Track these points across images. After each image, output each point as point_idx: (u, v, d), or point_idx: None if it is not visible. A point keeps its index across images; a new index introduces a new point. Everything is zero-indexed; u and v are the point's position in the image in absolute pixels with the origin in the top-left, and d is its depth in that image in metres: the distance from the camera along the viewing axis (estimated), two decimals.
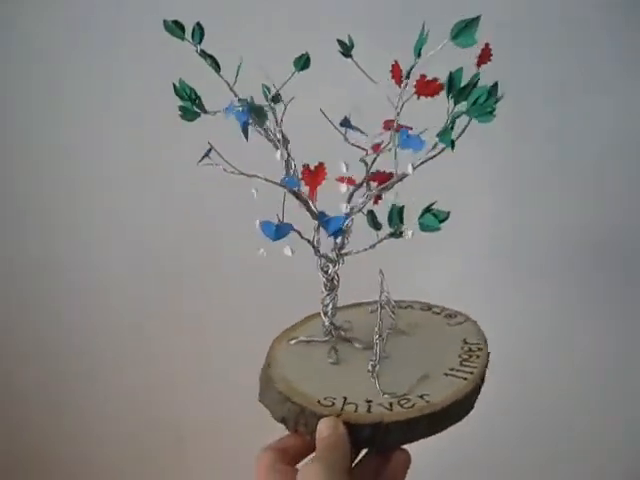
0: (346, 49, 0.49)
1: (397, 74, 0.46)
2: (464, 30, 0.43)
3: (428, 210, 0.46)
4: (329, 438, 0.39)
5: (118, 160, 0.80)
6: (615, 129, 0.72)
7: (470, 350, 0.49)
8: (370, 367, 0.46)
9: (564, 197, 0.74)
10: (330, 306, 0.51)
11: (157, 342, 0.84)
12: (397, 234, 0.48)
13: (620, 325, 0.77)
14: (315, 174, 0.48)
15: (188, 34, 0.48)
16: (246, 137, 0.47)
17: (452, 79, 0.44)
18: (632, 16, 0.69)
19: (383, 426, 0.40)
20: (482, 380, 0.46)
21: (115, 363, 0.86)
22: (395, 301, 0.55)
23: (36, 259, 0.84)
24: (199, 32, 0.48)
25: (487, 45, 0.45)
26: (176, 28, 0.48)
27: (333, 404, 0.43)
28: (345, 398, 0.44)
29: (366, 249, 0.49)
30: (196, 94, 0.48)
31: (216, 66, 0.48)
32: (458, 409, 0.43)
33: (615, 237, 0.75)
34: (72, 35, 0.77)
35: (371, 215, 0.48)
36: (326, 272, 0.50)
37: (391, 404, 0.42)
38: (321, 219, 0.48)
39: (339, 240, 0.50)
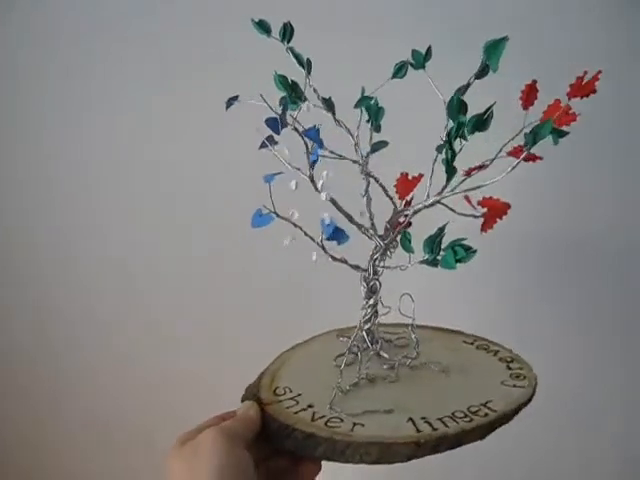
0: (419, 62, 0.47)
1: (531, 97, 0.42)
2: (490, 54, 0.41)
3: (454, 245, 0.44)
4: (240, 415, 0.44)
5: (119, 159, 0.80)
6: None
7: (472, 413, 0.43)
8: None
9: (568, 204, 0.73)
10: (366, 314, 0.51)
11: (130, 351, 0.84)
12: (432, 262, 0.46)
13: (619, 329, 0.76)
14: (410, 182, 0.48)
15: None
16: (277, 132, 0.47)
17: (450, 102, 0.43)
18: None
19: (289, 429, 0.43)
20: (439, 446, 0.40)
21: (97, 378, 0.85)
22: (487, 342, 0.54)
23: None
24: (285, 31, 0.49)
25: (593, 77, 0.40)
26: (262, 27, 0.49)
27: (283, 394, 0.47)
28: (299, 395, 0.47)
29: (390, 267, 0.50)
30: (294, 84, 0.49)
31: (301, 64, 0.49)
32: (370, 453, 0.40)
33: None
34: (69, 35, 0.77)
35: (405, 237, 0.47)
36: (366, 282, 0.51)
37: (321, 417, 0.44)
38: (322, 224, 0.47)
39: (379, 253, 0.50)
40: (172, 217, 0.80)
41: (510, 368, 0.50)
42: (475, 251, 0.44)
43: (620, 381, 0.76)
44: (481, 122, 0.43)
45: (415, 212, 0.47)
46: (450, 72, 0.46)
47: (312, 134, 0.47)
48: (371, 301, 0.51)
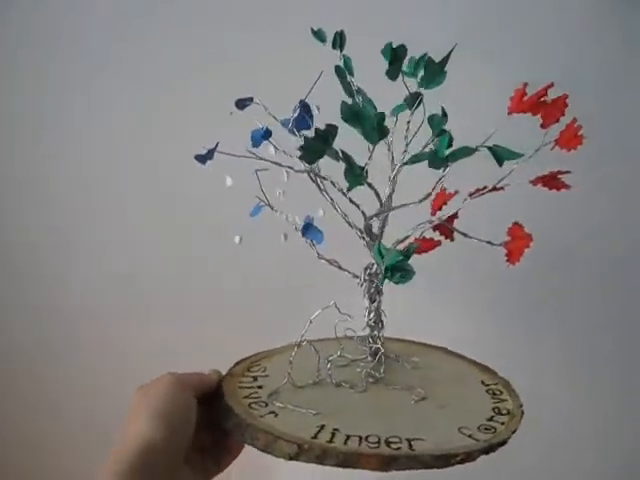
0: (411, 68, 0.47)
1: (521, 105, 0.40)
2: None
3: (389, 264, 0.45)
4: (202, 374, 0.49)
5: (118, 159, 0.80)
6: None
7: (385, 442, 0.41)
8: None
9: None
10: (368, 320, 0.51)
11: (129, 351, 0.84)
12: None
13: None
14: (446, 196, 0.48)
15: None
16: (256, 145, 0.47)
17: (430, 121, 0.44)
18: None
19: (220, 400, 0.47)
20: (324, 458, 0.40)
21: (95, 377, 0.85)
22: (508, 390, 0.50)
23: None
24: (335, 39, 0.50)
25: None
26: (319, 36, 0.51)
27: (254, 371, 0.51)
28: (265, 376, 0.50)
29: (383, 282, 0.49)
30: (359, 90, 0.49)
31: (350, 72, 0.49)
32: (259, 439, 0.42)
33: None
34: (60, 37, 0.77)
35: (379, 248, 0.47)
36: (364, 289, 0.51)
37: (253, 398, 0.47)
38: (304, 222, 0.48)
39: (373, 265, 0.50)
40: (172, 217, 0.80)
41: (491, 419, 0.45)
42: (406, 275, 0.43)
43: (615, 389, 0.76)
44: (370, 131, 0.43)
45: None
46: (449, 73, 0.46)
47: (257, 136, 0.46)
48: (372, 307, 0.50)
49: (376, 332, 0.51)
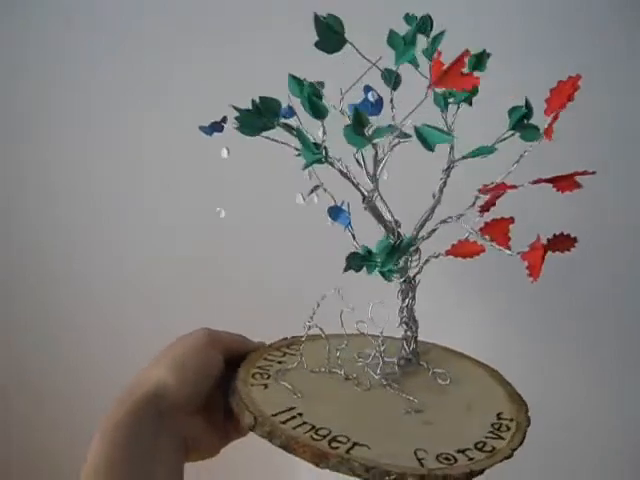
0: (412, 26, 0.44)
1: (443, 78, 0.36)
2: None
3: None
4: (241, 337, 0.51)
5: (118, 158, 0.80)
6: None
7: (331, 439, 0.40)
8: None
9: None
10: (401, 319, 0.50)
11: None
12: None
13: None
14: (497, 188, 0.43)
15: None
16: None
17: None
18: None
19: (238, 368, 0.47)
20: (271, 437, 0.40)
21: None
22: (516, 429, 0.44)
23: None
24: (422, 23, 0.45)
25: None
26: (409, 20, 0.46)
27: (290, 349, 0.52)
28: (292, 355, 0.51)
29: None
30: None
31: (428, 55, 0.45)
32: (237, 404, 0.43)
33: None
34: (60, 37, 0.78)
35: (386, 237, 0.46)
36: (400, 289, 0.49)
37: (261, 371, 0.48)
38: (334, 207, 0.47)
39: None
40: (173, 217, 0.80)
41: (463, 452, 0.40)
42: (367, 266, 0.43)
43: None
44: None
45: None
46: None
47: (281, 113, 0.43)
48: (403, 305, 0.49)
49: (409, 333, 0.49)
